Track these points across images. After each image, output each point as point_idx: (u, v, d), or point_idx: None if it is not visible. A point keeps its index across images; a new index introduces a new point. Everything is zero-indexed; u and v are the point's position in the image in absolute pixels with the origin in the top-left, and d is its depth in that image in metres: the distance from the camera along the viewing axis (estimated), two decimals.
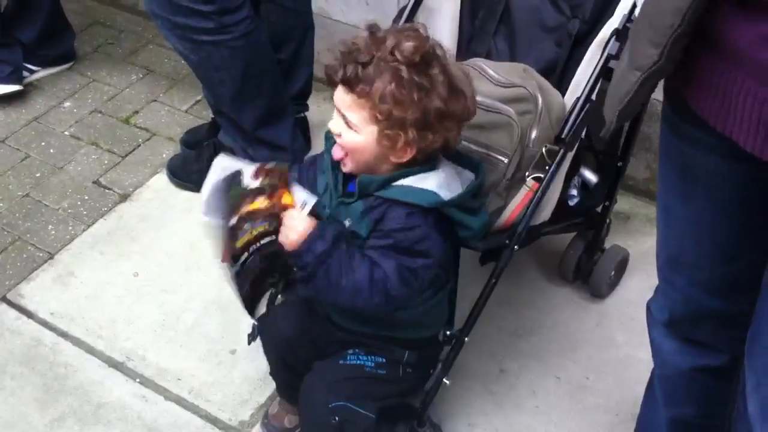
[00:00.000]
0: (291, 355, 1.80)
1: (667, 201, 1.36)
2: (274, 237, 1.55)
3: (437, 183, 1.56)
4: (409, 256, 1.55)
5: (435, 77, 1.50)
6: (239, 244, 1.51)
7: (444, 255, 1.62)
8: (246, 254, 1.53)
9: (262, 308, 1.86)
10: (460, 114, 1.54)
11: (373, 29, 1.53)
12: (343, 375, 1.72)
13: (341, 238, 1.54)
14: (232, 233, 1.49)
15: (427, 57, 1.50)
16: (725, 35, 1.05)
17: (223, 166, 1.52)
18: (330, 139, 1.64)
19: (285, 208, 1.54)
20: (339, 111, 1.55)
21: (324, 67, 1.55)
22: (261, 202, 1.50)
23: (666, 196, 1.36)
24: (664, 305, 1.47)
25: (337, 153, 1.58)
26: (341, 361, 1.75)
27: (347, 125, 1.53)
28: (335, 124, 1.56)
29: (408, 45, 1.48)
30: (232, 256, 1.51)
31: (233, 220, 1.49)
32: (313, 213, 1.55)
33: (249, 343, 1.88)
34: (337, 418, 1.66)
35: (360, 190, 1.57)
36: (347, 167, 1.59)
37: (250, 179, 1.50)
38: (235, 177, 1.51)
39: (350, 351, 1.75)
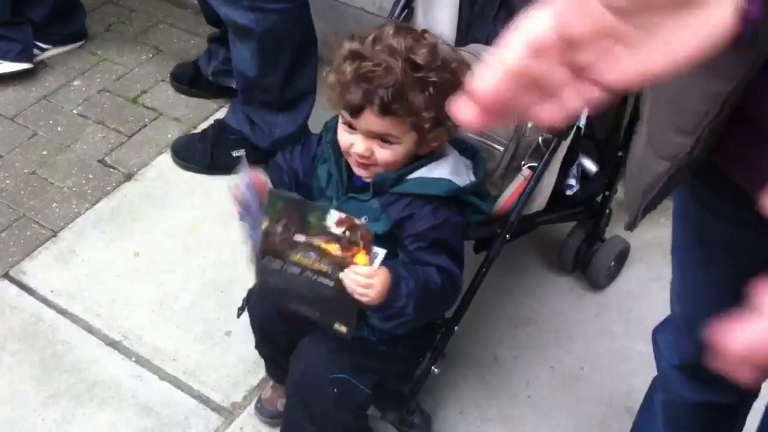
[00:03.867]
0: (271, 328, 1.79)
1: (683, 262, 1.25)
2: (330, 283, 1.51)
3: (449, 170, 1.57)
4: (452, 244, 1.58)
5: (455, 70, 1.52)
6: (296, 258, 1.50)
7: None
8: (292, 265, 1.53)
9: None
10: None
11: (362, 43, 1.52)
12: (344, 344, 1.69)
13: (405, 266, 1.53)
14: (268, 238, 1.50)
15: (442, 55, 1.52)
16: (760, 107, 0.87)
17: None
18: (332, 129, 1.63)
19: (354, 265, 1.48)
20: (371, 133, 1.52)
21: (345, 101, 1.50)
22: (336, 249, 1.46)
23: (682, 258, 1.25)
24: (675, 350, 1.39)
25: (363, 173, 1.57)
26: None
27: (384, 142, 1.52)
28: (362, 148, 1.52)
29: (423, 51, 1.49)
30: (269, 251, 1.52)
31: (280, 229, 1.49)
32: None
33: (238, 316, 1.86)
34: (335, 390, 1.65)
35: (375, 188, 1.57)
36: (373, 177, 1.57)
37: (332, 223, 1.44)
38: (311, 206, 1.48)
39: None
